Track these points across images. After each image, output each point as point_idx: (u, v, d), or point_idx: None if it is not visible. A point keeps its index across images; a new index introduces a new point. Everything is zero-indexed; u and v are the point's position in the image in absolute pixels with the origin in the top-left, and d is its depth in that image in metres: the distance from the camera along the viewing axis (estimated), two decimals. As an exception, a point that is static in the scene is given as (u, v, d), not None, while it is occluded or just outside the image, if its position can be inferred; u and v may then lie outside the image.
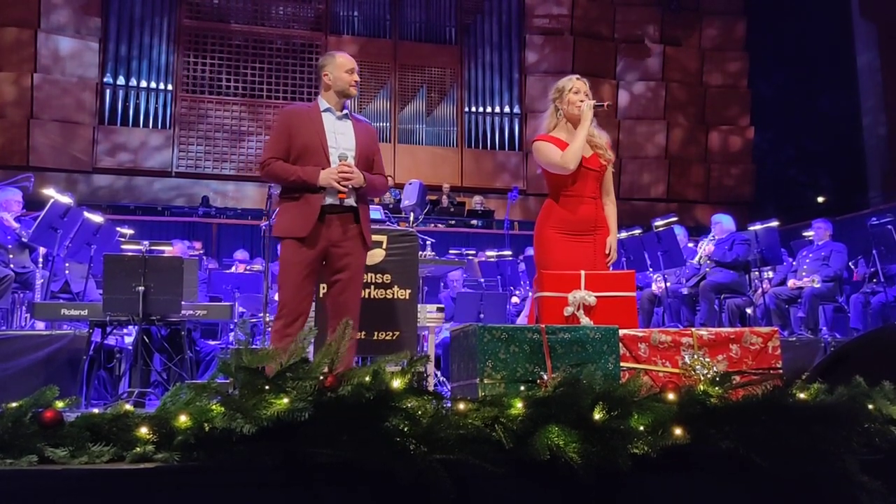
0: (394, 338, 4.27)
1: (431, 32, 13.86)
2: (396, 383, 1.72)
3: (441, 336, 5.83)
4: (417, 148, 13.48)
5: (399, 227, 4.82)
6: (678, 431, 1.77)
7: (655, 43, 14.32)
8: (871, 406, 1.95)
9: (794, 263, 7.19)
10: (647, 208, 13.10)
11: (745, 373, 2.55)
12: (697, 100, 14.30)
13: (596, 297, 3.06)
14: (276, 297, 3.71)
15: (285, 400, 1.63)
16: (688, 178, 14.09)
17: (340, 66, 3.49)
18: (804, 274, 6.77)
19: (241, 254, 9.08)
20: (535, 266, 3.62)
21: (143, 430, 1.64)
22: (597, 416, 1.77)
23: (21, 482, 1.52)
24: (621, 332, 2.56)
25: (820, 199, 12.29)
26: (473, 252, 9.24)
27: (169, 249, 6.70)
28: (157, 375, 5.32)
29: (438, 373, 5.39)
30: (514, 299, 7.69)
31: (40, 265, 5.96)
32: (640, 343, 2.63)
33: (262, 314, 4.93)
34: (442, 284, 8.04)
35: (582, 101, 3.51)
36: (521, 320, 6.79)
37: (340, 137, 3.45)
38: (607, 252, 3.51)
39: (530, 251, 7.46)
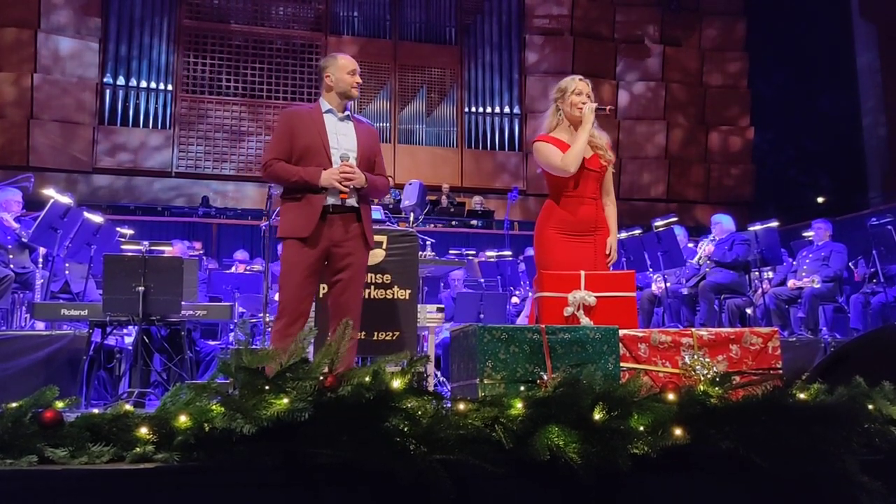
0: (394, 338, 4.27)
1: (431, 33, 13.86)
2: (396, 383, 1.72)
3: (441, 336, 5.83)
4: (417, 148, 13.48)
5: (399, 228, 4.82)
6: (678, 432, 1.77)
7: (655, 43, 14.32)
8: (871, 406, 1.95)
9: (794, 264, 7.19)
10: (647, 208, 13.10)
11: (745, 373, 2.55)
12: (697, 100, 14.30)
13: (596, 297, 3.06)
14: (277, 298, 3.71)
15: (285, 400, 1.63)
16: (688, 179, 14.09)
17: (342, 67, 3.49)
18: (804, 274, 6.77)
19: (241, 254, 9.09)
20: (535, 266, 3.62)
21: (143, 431, 1.64)
22: (597, 416, 1.77)
23: (21, 482, 1.52)
24: (621, 332, 2.56)
25: (820, 200, 12.30)
26: (473, 252, 9.24)
27: (169, 250, 6.70)
28: (157, 376, 5.32)
29: (438, 373, 5.39)
30: (514, 299, 7.69)
31: (40, 265, 5.96)
32: (640, 343, 2.63)
33: (262, 314, 4.93)
34: (442, 285, 8.04)
35: (584, 103, 3.51)
36: (521, 320, 6.80)
37: (342, 138, 3.46)
38: (608, 252, 3.51)
39: (530, 251, 7.47)
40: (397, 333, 4.29)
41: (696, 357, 2.60)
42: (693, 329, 2.70)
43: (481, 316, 6.41)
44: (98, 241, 5.93)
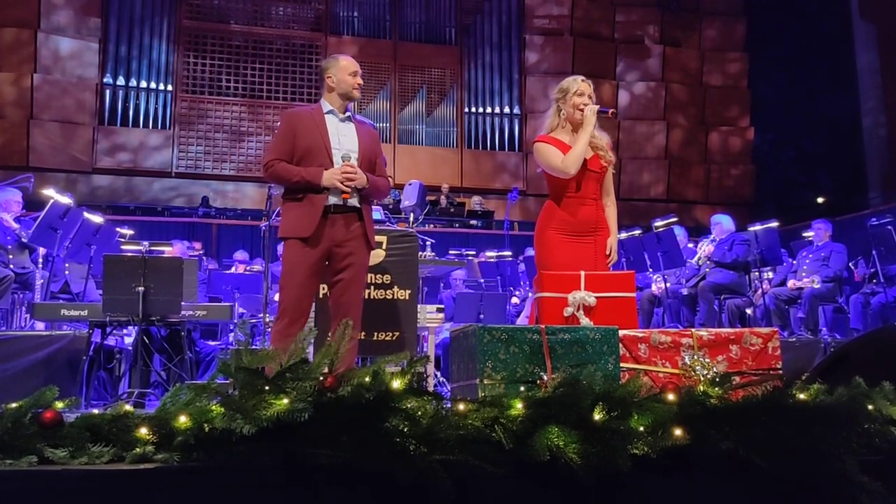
0: (394, 338, 4.27)
1: (431, 33, 13.86)
2: (396, 384, 1.72)
3: (441, 336, 5.83)
4: (417, 148, 13.48)
5: (399, 228, 4.82)
6: (678, 432, 1.77)
7: (655, 43, 14.33)
8: (870, 407, 1.95)
9: (793, 264, 7.20)
10: (647, 208, 13.11)
11: (744, 373, 2.55)
12: (697, 100, 14.31)
13: (596, 297, 3.06)
14: (276, 298, 3.71)
15: (285, 400, 1.63)
16: (688, 179, 14.10)
17: (344, 68, 3.50)
18: (804, 274, 6.77)
19: (240, 254, 9.09)
20: (535, 267, 3.62)
21: (143, 431, 1.64)
22: (597, 416, 1.77)
23: (21, 482, 1.52)
24: (621, 332, 2.56)
25: (820, 200, 12.31)
26: (473, 252, 9.25)
27: (169, 250, 6.71)
28: (157, 376, 5.31)
29: (438, 373, 5.39)
30: (514, 300, 7.70)
31: (40, 266, 5.96)
32: (639, 344, 2.63)
33: (261, 315, 4.93)
34: (442, 285, 8.04)
35: (585, 105, 3.50)
36: (522, 321, 6.80)
37: (343, 139, 3.47)
38: (608, 253, 3.51)
39: (530, 252, 7.47)
40: (397, 334, 4.29)
41: (696, 357, 2.60)
42: (693, 329, 2.70)
43: (481, 316, 6.41)
44: (98, 242, 5.92)
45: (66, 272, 6.19)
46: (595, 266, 3.39)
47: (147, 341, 4.95)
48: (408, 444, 1.62)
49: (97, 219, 6.03)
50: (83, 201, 9.85)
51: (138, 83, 12.40)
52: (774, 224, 7.10)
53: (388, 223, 5.44)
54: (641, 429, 1.77)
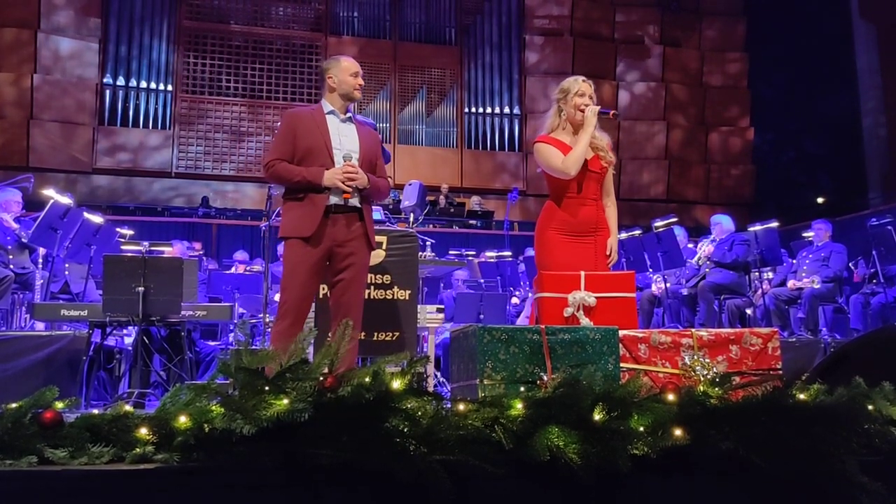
0: (394, 338, 4.27)
1: (431, 33, 13.86)
2: (396, 384, 1.72)
3: (441, 337, 5.83)
4: (417, 149, 13.49)
5: (399, 228, 4.81)
6: (678, 432, 1.77)
7: (655, 43, 14.34)
8: (870, 407, 1.95)
9: (793, 264, 7.20)
10: (647, 208, 13.11)
11: (744, 374, 2.55)
12: (697, 100, 14.32)
13: (596, 297, 3.06)
14: (277, 298, 3.71)
15: (285, 401, 1.63)
16: (688, 179, 14.10)
17: (345, 69, 3.50)
18: (804, 275, 6.77)
19: (240, 254, 9.09)
20: (535, 267, 3.62)
21: (143, 431, 1.64)
22: (597, 416, 1.77)
23: (21, 483, 1.52)
24: (621, 332, 2.56)
25: (820, 200, 12.31)
26: (473, 253, 9.25)
27: (168, 250, 6.71)
28: (157, 376, 5.31)
29: (438, 373, 5.38)
30: (514, 300, 7.70)
31: (40, 266, 5.96)
32: (639, 344, 2.63)
33: (261, 315, 4.93)
34: (442, 285, 8.04)
35: (586, 105, 3.50)
36: (522, 321, 6.80)
37: (344, 139, 3.47)
38: (608, 253, 3.51)
39: (530, 252, 7.47)
40: (397, 334, 4.29)
41: (695, 358, 2.60)
42: (693, 330, 2.70)
43: (481, 316, 6.41)
44: (98, 242, 5.92)
45: (66, 272, 6.20)
46: (595, 266, 3.39)
47: (147, 341, 4.95)
48: (408, 445, 1.62)
49: (97, 219, 6.03)
50: (83, 201, 9.86)
51: (138, 83, 12.40)
52: (774, 224, 7.10)
53: (388, 223, 5.43)
54: (641, 429, 1.77)
